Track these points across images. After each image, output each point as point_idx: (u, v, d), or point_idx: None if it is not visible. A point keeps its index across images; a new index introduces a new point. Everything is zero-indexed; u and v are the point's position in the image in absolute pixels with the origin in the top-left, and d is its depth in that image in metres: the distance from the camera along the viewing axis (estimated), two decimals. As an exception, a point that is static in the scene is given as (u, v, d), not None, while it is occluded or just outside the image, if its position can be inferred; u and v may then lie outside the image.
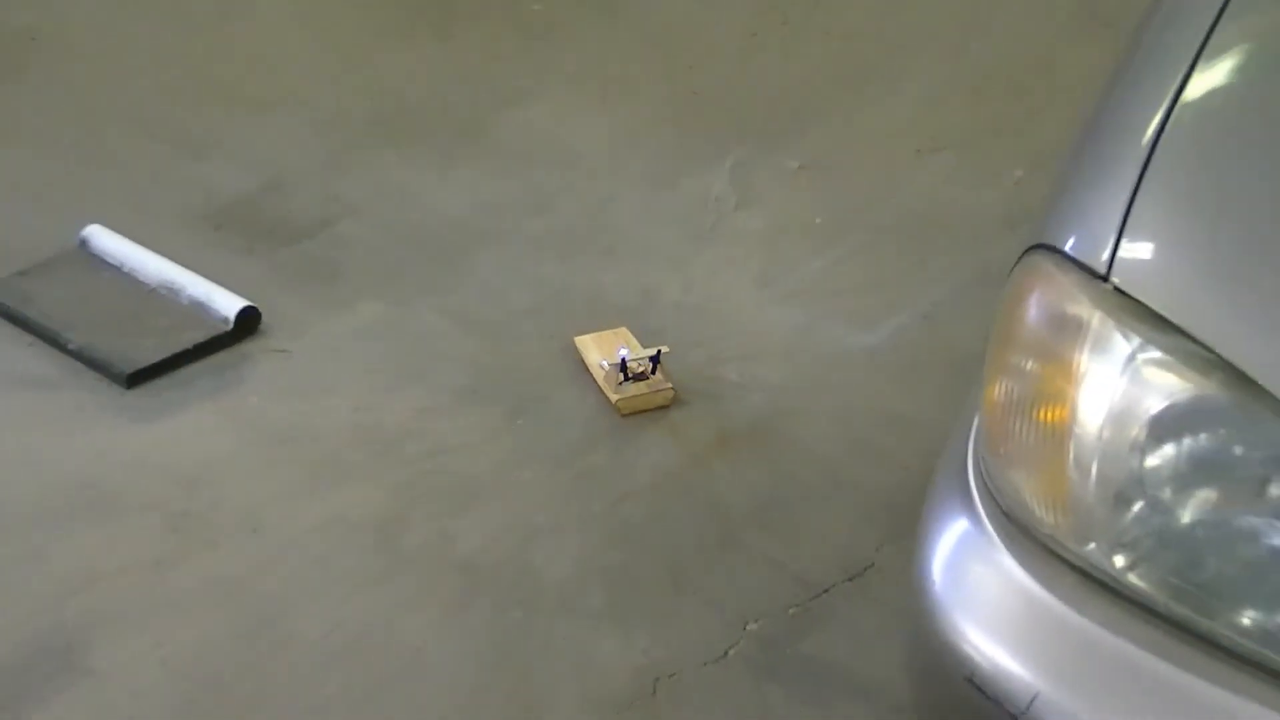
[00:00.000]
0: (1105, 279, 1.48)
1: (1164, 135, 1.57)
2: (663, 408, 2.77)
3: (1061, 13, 3.79)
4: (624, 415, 2.75)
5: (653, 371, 2.78)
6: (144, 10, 3.88)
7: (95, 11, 3.84)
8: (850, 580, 2.46)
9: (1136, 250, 1.49)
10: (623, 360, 2.76)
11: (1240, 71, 1.66)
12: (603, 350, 2.83)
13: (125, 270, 3.02)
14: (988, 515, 1.52)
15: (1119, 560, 1.44)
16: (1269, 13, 1.72)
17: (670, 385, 2.78)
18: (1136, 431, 1.44)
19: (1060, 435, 1.47)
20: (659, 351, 2.79)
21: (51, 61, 3.67)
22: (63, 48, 3.71)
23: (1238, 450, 1.42)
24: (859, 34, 3.76)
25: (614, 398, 2.76)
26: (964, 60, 3.65)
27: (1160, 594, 1.42)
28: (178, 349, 2.86)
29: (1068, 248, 1.52)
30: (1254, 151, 1.59)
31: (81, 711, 2.26)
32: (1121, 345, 1.45)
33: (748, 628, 2.39)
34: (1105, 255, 1.49)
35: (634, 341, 2.85)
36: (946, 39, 3.71)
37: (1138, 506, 1.44)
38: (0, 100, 3.55)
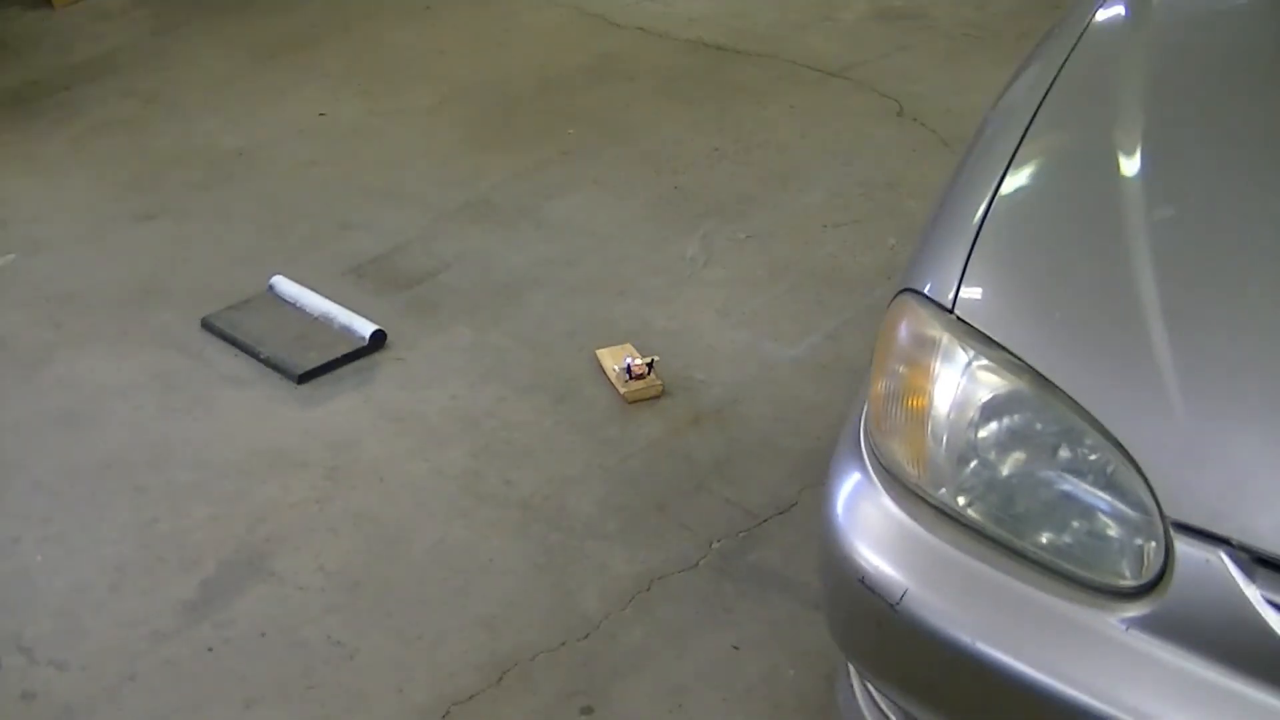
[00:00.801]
0: (951, 311, 1.48)
1: (988, 217, 1.57)
2: (655, 398, 2.75)
3: (912, 138, 3.79)
4: (629, 403, 2.74)
5: (649, 374, 2.76)
6: (312, 135, 3.88)
7: (281, 137, 3.85)
8: (782, 514, 2.45)
9: (971, 293, 1.49)
10: (628, 366, 2.75)
11: (1036, 175, 1.67)
12: (615, 359, 2.81)
13: (298, 306, 3.02)
14: (873, 470, 1.52)
15: (960, 500, 1.44)
16: (1055, 136, 1.74)
17: (660, 383, 2.77)
18: (972, 414, 1.44)
19: (921, 416, 1.47)
20: (653, 360, 2.78)
21: (252, 170, 3.67)
22: (260, 160, 3.72)
23: (1038, 426, 1.42)
24: (784, 151, 3.75)
25: (622, 391, 2.75)
26: (852, 168, 3.64)
27: (987, 522, 1.42)
28: (331, 357, 2.85)
29: (926, 290, 1.52)
30: (1046, 228, 1.60)
31: (266, 601, 2.26)
32: (961, 356, 1.45)
33: (712, 545, 2.38)
34: (951, 295, 1.49)
35: (636, 353, 2.83)
36: (839, 155, 3.70)
37: (973, 464, 1.44)
38: (217, 196, 3.56)
